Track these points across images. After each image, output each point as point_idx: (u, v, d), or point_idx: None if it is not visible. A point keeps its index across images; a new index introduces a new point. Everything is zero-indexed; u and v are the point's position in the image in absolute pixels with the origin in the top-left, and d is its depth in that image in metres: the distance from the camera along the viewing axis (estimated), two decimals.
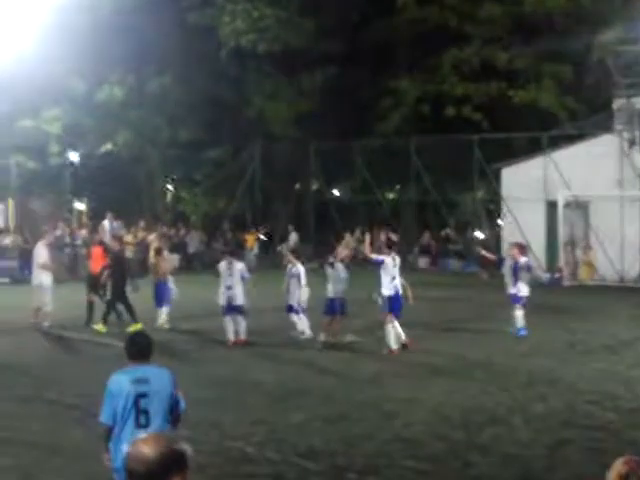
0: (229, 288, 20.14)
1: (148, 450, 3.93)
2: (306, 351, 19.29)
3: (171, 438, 4.09)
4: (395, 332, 18.77)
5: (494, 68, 42.81)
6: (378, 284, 19.03)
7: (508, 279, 21.86)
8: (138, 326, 20.57)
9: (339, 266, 20.37)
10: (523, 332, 20.59)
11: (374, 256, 19.48)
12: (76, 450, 11.62)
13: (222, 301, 20.21)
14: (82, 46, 37.79)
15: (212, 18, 43.46)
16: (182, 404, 7.91)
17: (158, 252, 24.34)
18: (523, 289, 21.03)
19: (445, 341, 20.51)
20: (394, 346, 18.62)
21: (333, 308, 20.03)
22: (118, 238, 25.72)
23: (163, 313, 22.76)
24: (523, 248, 22.93)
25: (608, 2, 40.08)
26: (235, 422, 13.00)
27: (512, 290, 21.22)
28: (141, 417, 7.56)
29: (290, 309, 20.94)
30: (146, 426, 7.48)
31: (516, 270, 21.15)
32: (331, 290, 20.10)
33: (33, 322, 22.18)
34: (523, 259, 21.61)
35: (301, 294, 20.70)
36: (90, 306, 22.78)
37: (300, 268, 20.96)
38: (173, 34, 42.87)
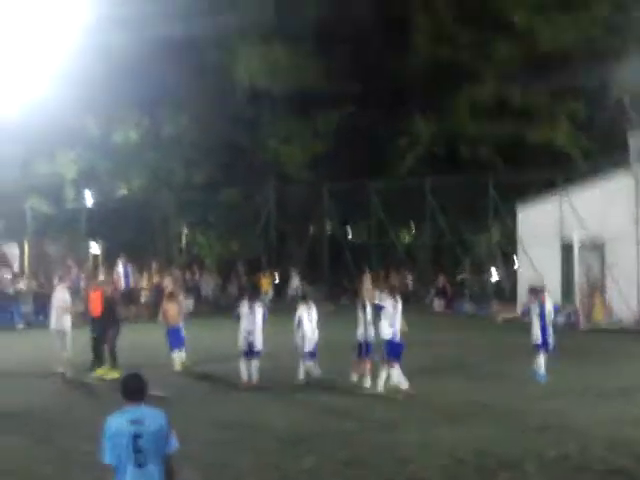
0: (250, 333, 20.11)
1: None
2: (319, 394, 19.15)
3: None
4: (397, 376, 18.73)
5: (508, 107, 42.81)
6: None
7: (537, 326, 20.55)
8: (113, 372, 20.68)
9: (369, 309, 20.28)
10: (542, 377, 20.19)
11: (376, 301, 19.51)
12: None
13: (243, 345, 20.15)
14: (97, 89, 38.05)
15: (228, 60, 43.67)
16: (173, 443, 7.83)
17: (170, 297, 24.11)
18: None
19: (460, 384, 20.30)
20: (405, 385, 18.58)
21: (365, 350, 20.02)
22: (110, 282, 25.47)
23: (176, 357, 22.60)
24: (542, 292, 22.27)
25: (621, 38, 40.11)
26: (248, 465, 12.86)
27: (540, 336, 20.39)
28: (139, 457, 7.63)
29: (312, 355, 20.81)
30: (144, 465, 7.60)
31: (543, 315, 20.57)
32: (362, 333, 20.06)
33: (61, 370, 21.77)
34: (550, 303, 21.05)
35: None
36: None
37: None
38: (188, 76, 43.11)
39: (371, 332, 20.04)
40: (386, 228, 43.65)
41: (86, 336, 23.53)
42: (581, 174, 38.97)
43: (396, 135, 45.28)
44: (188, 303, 39.73)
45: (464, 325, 35.62)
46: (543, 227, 36.99)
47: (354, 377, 20.08)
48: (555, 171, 38.34)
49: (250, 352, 20.08)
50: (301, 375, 20.66)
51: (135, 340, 25.49)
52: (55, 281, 23.97)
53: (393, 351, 18.77)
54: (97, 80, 38.09)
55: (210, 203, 47.77)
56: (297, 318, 20.78)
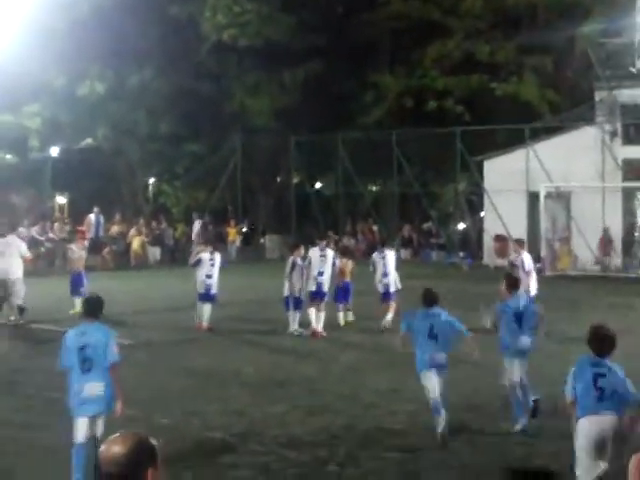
0: (209, 277, 20.51)
1: (119, 449, 3.97)
2: (285, 340, 19.30)
3: (139, 435, 4.10)
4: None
5: (476, 61, 42.80)
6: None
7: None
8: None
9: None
10: None
11: None
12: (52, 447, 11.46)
13: (200, 289, 20.58)
14: (61, 41, 37.62)
15: (193, 13, 43.29)
16: (114, 355, 9.51)
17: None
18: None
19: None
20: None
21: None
22: None
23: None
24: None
25: None
26: (216, 412, 12.94)
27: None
28: (85, 364, 9.41)
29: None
30: (88, 371, 9.39)
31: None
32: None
33: (14, 320, 21.58)
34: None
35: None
36: None
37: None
38: (153, 29, 42.76)
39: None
40: (353, 179, 43.61)
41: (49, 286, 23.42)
42: (547, 127, 39.15)
43: (364, 89, 45.14)
44: (155, 252, 39.88)
45: (431, 274, 35.77)
46: (509, 178, 37.15)
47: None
48: (521, 123, 38.48)
49: (207, 295, 20.49)
50: (295, 325, 20.43)
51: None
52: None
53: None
54: (61, 32, 37.68)
55: (176, 154, 47.56)
56: (290, 263, 20.54)
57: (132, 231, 39.70)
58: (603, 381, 8.67)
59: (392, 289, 21.21)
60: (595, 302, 25.84)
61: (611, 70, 35.81)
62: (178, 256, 40.74)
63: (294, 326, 20.23)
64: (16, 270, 21.78)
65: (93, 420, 9.47)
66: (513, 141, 39.14)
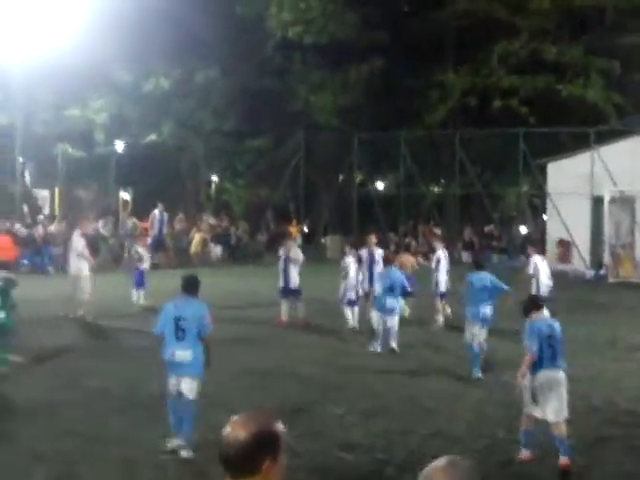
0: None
1: (241, 432, 3.81)
2: (348, 342, 19.33)
3: (266, 418, 3.94)
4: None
5: (542, 61, 42.39)
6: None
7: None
8: None
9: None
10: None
11: None
12: (116, 437, 11.65)
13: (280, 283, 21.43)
14: (129, 36, 37.88)
15: (259, 10, 43.44)
16: (208, 329, 11.02)
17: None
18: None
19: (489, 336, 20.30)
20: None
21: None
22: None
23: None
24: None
25: None
26: (275, 409, 13.00)
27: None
28: (179, 333, 10.91)
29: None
30: (182, 340, 10.88)
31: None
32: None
33: (74, 315, 21.92)
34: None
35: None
36: None
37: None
38: (220, 26, 42.96)
39: None
40: (415, 179, 43.48)
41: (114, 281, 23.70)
42: (613, 130, 38.71)
43: (428, 87, 44.96)
44: (217, 250, 40.07)
45: None
46: (573, 182, 36.80)
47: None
48: (586, 126, 38.11)
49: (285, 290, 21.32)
50: (351, 321, 20.87)
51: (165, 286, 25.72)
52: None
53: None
54: (129, 27, 37.93)
55: (239, 151, 47.75)
56: (346, 266, 20.94)
57: (194, 229, 40.00)
58: None
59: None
60: None
61: None
62: (239, 254, 40.98)
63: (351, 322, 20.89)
64: (78, 266, 22.22)
65: (180, 379, 10.97)
66: (578, 144, 38.77)
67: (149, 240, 33.39)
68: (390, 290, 18.23)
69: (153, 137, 45.22)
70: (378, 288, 18.61)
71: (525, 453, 11.04)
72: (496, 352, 17.08)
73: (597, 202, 36.35)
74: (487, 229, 45.61)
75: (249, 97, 44.66)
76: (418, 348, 18.76)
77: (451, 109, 45.56)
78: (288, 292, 21.43)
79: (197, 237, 39.50)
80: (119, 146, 44.93)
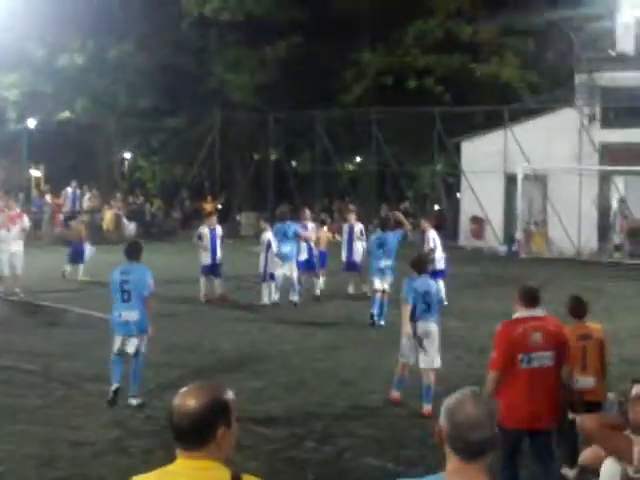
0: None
1: (191, 403, 3.79)
2: (262, 318, 19.39)
3: (215, 388, 3.93)
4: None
5: (457, 41, 42.61)
6: None
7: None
8: None
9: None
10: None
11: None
12: (34, 415, 11.54)
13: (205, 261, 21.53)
14: (41, 12, 37.23)
15: None
16: (149, 289, 12.10)
17: None
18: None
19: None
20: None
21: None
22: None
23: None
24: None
25: None
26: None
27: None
28: (124, 295, 12.02)
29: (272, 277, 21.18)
30: (128, 301, 11.98)
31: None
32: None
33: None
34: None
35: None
36: None
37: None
38: (135, 1, 42.37)
39: None
40: (331, 157, 43.56)
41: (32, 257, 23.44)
42: (526, 109, 39.20)
43: (344, 66, 44.96)
44: (131, 227, 39.73)
45: (407, 254, 35.83)
46: (487, 160, 37.20)
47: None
48: (500, 105, 38.51)
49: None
50: (265, 298, 20.98)
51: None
52: None
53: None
54: (42, 2, 37.26)
55: (154, 129, 47.32)
56: (266, 241, 21.01)
57: (105, 206, 39.66)
58: None
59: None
60: (567, 285, 25.88)
61: (591, 53, 35.94)
62: (154, 231, 40.69)
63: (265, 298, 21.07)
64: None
65: (127, 339, 12.05)
66: (492, 123, 39.17)
67: (61, 217, 33.08)
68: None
69: (67, 114, 44.56)
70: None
71: (395, 394, 12.45)
72: None
73: (510, 180, 36.84)
74: (402, 206, 45.89)
75: (165, 74, 44.16)
76: (333, 321, 18.94)
77: (367, 88, 45.64)
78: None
79: (108, 214, 39.16)
80: (31, 123, 44.18)
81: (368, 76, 45.08)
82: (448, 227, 39.87)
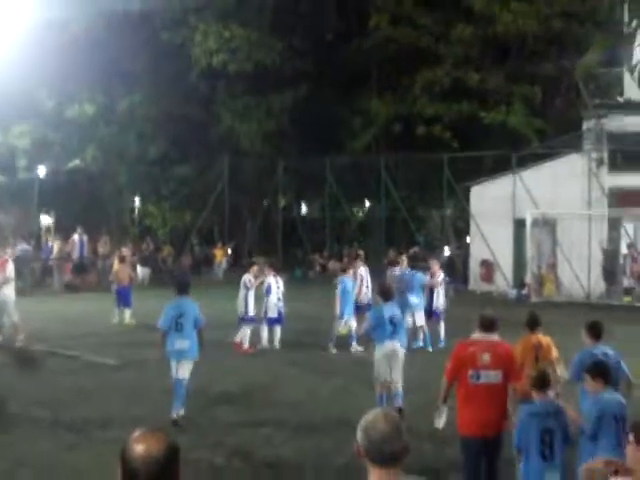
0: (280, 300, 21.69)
1: (157, 448, 3.84)
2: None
3: (164, 433, 3.98)
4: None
5: (465, 89, 42.84)
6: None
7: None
8: None
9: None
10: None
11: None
12: (44, 461, 11.43)
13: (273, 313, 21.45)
14: (52, 62, 37.60)
15: (184, 38, 43.44)
16: (202, 321, 13.67)
17: (121, 260, 27.69)
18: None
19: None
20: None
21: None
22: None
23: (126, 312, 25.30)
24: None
25: (579, 26, 40.50)
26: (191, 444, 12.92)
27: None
28: (179, 326, 13.41)
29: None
30: (182, 331, 13.47)
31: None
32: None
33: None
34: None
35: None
36: None
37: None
38: (145, 53, 42.86)
39: None
40: (340, 203, 43.67)
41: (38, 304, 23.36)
42: (534, 154, 39.29)
43: (353, 114, 45.25)
44: (145, 273, 39.75)
45: None
46: (496, 205, 37.27)
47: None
48: (508, 150, 38.61)
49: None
50: (265, 340, 21.12)
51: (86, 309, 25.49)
52: None
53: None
54: (52, 52, 37.62)
55: (164, 177, 47.59)
56: (266, 285, 21.29)
57: (123, 251, 39.70)
58: None
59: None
60: (578, 329, 25.74)
61: (599, 99, 36.14)
62: (164, 277, 40.67)
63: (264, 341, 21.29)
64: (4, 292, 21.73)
65: (180, 364, 13.48)
66: (500, 168, 39.25)
67: (70, 264, 33.22)
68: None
69: (77, 162, 44.85)
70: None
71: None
72: None
73: (519, 224, 36.83)
74: (412, 251, 45.90)
75: (174, 123, 44.54)
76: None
77: (376, 135, 45.88)
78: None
79: (116, 264, 39.22)
80: (41, 171, 44.46)
81: (376, 124, 45.34)
82: (458, 271, 39.84)
